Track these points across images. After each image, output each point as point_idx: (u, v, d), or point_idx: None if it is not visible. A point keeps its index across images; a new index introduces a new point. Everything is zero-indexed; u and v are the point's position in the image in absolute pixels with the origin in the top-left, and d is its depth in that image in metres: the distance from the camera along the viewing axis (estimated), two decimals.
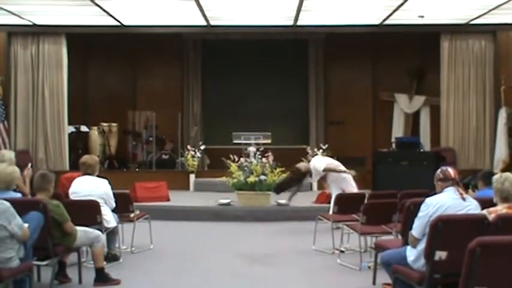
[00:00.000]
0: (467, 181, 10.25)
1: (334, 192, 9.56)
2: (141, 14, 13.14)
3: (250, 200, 11.61)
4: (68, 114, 14.09)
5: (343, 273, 7.29)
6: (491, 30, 13.91)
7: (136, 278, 7.02)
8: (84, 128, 15.26)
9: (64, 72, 14.01)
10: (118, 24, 13.59)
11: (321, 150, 14.01)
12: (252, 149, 12.24)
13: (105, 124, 15.31)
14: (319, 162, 10.27)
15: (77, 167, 8.06)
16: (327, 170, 10.04)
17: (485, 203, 5.30)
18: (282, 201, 11.65)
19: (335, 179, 10.04)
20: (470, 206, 5.16)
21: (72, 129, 14.80)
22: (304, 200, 12.26)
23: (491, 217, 4.91)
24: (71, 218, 6.37)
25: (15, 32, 13.94)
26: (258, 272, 7.41)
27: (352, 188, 9.92)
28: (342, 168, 10.17)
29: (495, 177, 5.35)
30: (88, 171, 7.56)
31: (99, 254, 6.64)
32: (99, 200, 7.30)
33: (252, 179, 11.50)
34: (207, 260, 8.10)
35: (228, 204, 11.72)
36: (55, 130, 14.00)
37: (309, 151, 14.21)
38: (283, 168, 11.81)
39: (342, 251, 8.10)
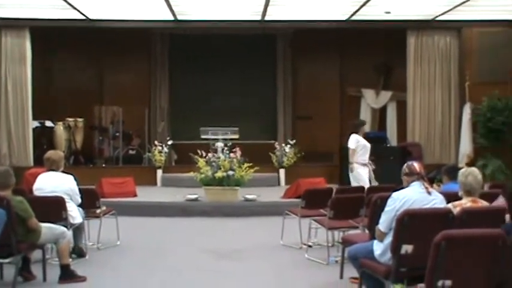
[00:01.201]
0: (433, 175, 10.34)
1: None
2: (108, 8, 13.02)
3: (218, 195, 11.58)
4: (32, 109, 13.88)
5: (310, 268, 7.31)
6: (456, 27, 14.07)
7: (102, 275, 6.95)
8: (49, 123, 15.04)
9: (28, 66, 13.77)
10: (84, 18, 13.42)
11: (288, 146, 14.07)
12: (219, 144, 12.21)
13: (70, 119, 15.12)
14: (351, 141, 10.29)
15: (42, 162, 7.94)
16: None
17: (450, 197, 5.36)
18: (250, 197, 11.65)
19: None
20: (435, 200, 5.21)
21: (36, 124, 14.57)
22: (271, 195, 12.29)
23: (456, 211, 4.96)
24: (36, 214, 6.28)
25: None
26: (226, 267, 7.40)
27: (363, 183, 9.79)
28: (353, 156, 10.12)
29: (460, 171, 5.41)
30: (53, 167, 7.45)
31: (64, 250, 6.55)
32: (64, 196, 7.20)
33: (219, 174, 11.48)
34: (174, 255, 8.06)
35: (195, 199, 11.68)
36: (19, 125, 13.77)
37: (277, 146, 14.28)
38: (251, 164, 11.82)
39: (310, 246, 8.13)
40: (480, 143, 13.54)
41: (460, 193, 5.32)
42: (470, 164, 11.99)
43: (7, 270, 6.43)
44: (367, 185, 9.50)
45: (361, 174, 10.05)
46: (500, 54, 13.86)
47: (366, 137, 10.56)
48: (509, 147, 13.43)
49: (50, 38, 15.36)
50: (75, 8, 12.56)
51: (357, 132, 10.18)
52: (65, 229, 6.69)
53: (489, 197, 5.56)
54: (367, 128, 15.44)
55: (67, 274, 6.51)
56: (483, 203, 5.27)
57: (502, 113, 13.37)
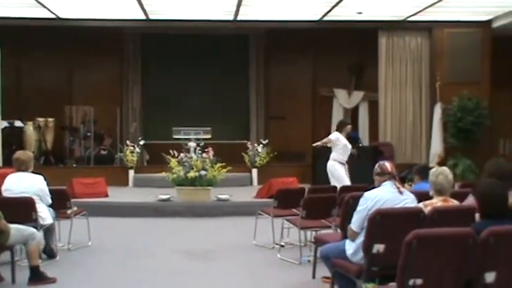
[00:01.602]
0: (404, 175, 10.43)
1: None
2: (79, 7, 12.90)
3: (190, 195, 11.54)
4: (1, 109, 13.68)
5: (283, 268, 7.31)
6: (427, 27, 14.22)
7: (73, 276, 6.87)
8: (18, 123, 14.83)
9: None
10: (54, 17, 13.28)
11: (261, 145, 14.07)
12: (192, 144, 12.17)
13: (41, 119, 14.93)
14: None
15: (11, 163, 7.83)
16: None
17: (422, 196, 5.39)
18: (222, 197, 11.63)
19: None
20: (407, 199, 5.24)
21: (5, 124, 14.35)
22: (244, 195, 12.28)
23: (427, 210, 4.99)
24: (4, 215, 6.18)
25: None
26: (198, 268, 7.37)
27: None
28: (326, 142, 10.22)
29: (431, 170, 5.45)
30: (22, 167, 7.35)
31: (34, 252, 6.46)
32: (34, 197, 7.11)
33: (192, 174, 11.43)
34: (147, 256, 8.00)
35: (167, 199, 11.62)
36: None
37: (249, 146, 14.26)
38: (224, 164, 11.79)
39: (282, 246, 8.12)
40: (451, 143, 13.69)
41: (431, 192, 5.35)
42: (441, 163, 12.10)
43: None
44: (347, 183, 9.63)
45: (338, 171, 10.05)
46: (470, 54, 14.04)
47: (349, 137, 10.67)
48: (479, 146, 13.59)
49: (19, 36, 15.13)
50: (45, 7, 12.44)
51: (340, 131, 10.18)
52: (34, 230, 6.60)
53: (460, 196, 5.61)
54: None
55: (37, 276, 6.42)
56: (454, 202, 5.31)
57: (472, 113, 13.54)
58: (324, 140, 10.21)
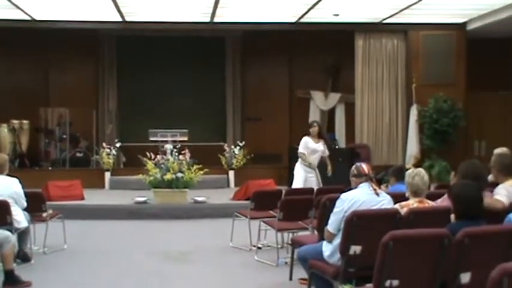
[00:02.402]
0: (381, 176, 10.42)
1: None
2: (54, 9, 12.79)
3: (167, 197, 11.50)
4: None
5: (260, 270, 7.31)
6: (403, 30, 14.33)
7: (48, 279, 6.82)
8: None
9: None
10: (29, 18, 13.16)
11: (237, 147, 14.06)
12: (168, 146, 12.13)
13: (15, 121, 14.76)
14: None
15: None
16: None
17: (398, 198, 5.42)
18: (199, 199, 11.60)
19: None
20: (383, 200, 5.26)
21: None
22: (221, 197, 12.26)
23: (403, 211, 5.02)
24: None
25: None
26: (175, 270, 7.35)
27: None
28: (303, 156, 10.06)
29: (408, 172, 5.48)
30: None
31: (9, 255, 6.40)
32: (9, 200, 7.03)
33: (168, 176, 11.39)
34: (123, 259, 7.96)
35: (144, 202, 11.56)
36: None
37: (226, 148, 14.25)
38: (200, 165, 11.77)
39: (259, 248, 8.13)
40: (427, 144, 13.80)
41: (407, 194, 5.39)
42: (417, 164, 12.19)
43: None
44: (297, 185, 9.74)
45: (296, 172, 10.06)
46: (446, 56, 14.18)
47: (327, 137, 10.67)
48: (454, 148, 13.72)
49: None
50: (19, 8, 12.32)
51: (308, 134, 10.17)
52: (9, 233, 6.54)
53: (435, 198, 5.65)
54: None
55: (11, 279, 6.36)
56: (430, 204, 5.35)
57: (447, 114, 13.67)
58: (304, 158, 10.05)
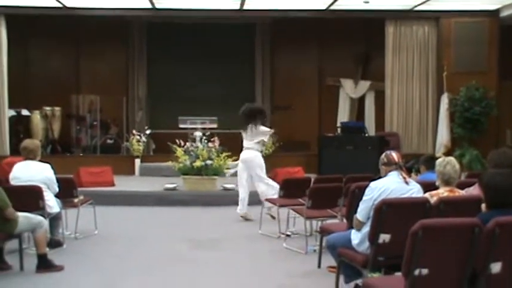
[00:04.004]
0: (410, 165, 10.36)
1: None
2: None
3: (196, 184, 11.56)
4: (8, 98, 13.72)
5: (288, 257, 7.33)
6: (435, 17, 14.16)
7: (80, 264, 6.91)
8: (25, 112, 14.87)
9: (4, 54, 13.64)
10: (60, 5, 13.28)
11: None
12: (198, 133, 12.16)
13: (47, 108, 14.97)
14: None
15: (18, 151, 7.87)
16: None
17: (428, 187, 5.40)
18: (228, 186, 11.64)
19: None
20: (413, 189, 5.24)
21: (12, 112, 14.41)
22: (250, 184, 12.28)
23: (433, 200, 5.00)
24: (12, 203, 6.22)
25: None
26: (204, 257, 7.39)
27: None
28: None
29: (438, 160, 5.45)
30: (29, 156, 7.39)
31: (42, 240, 6.51)
32: (41, 185, 7.15)
33: (198, 163, 11.44)
34: (153, 245, 8.03)
35: (173, 189, 11.64)
36: None
37: None
38: (230, 153, 11.80)
39: (288, 235, 8.14)
40: (457, 133, 13.67)
41: (438, 182, 5.35)
42: (447, 153, 12.09)
43: None
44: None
45: (262, 161, 10.05)
46: (478, 44, 13.99)
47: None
48: (486, 136, 13.56)
49: (27, 26, 15.14)
50: None
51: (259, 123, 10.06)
52: (42, 218, 6.64)
53: (466, 187, 5.61)
54: (345, 117, 15.64)
55: (44, 263, 6.47)
56: (460, 193, 5.32)
57: (479, 102, 13.51)
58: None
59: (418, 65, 14.27)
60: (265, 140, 10.13)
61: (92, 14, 14.01)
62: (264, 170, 9.88)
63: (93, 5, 13.52)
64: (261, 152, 10.06)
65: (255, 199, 9.85)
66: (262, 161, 9.95)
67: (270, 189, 9.52)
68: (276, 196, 8.87)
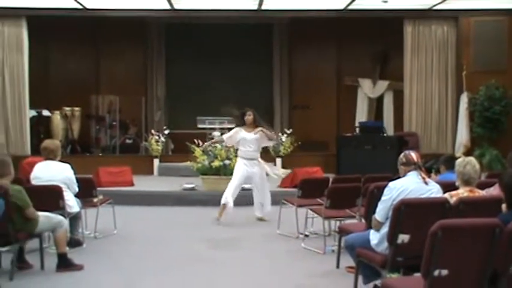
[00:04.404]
0: (430, 165, 10.32)
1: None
2: None
3: (215, 184, 11.56)
4: (29, 98, 13.86)
5: (307, 257, 7.32)
6: (454, 16, 14.06)
7: (99, 263, 6.96)
8: (46, 112, 15.00)
9: (25, 55, 13.76)
10: (80, 7, 13.38)
11: (285, 135, 14.07)
12: (216, 133, 12.19)
13: (67, 108, 15.10)
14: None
15: (39, 151, 7.94)
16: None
17: (447, 187, 5.37)
18: (246, 186, 11.63)
19: None
20: (432, 189, 5.22)
21: (33, 113, 14.55)
22: (268, 184, 12.28)
23: (452, 200, 4.97)
24: (33, 203, 6.28)
25: None
26: (222, 257, 7.41)
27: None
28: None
29: (458, 160, 5.41)
30: (50, 156, 7.45)
31: (62, 239, 6.56)
32: (61, 185, 7.21)
33: (216, 163, 11.46)
34: (171, 244, 8.07)
35: (192, 188, 11.67)
36: (16, 114, 13.76)
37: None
38: None
39: (306, 235, 8.14)
40: (477, 133, 13.57)
41: (457, 183, 5.33)
42: (467, 153, 12.02)
43: (4, 259, 6.44)
44: (234, 182, 9.61)
45: (236, 168, 9.83)
46: (497, 43, 13.88)
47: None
48: (506, 136, 13.45)
49: (46, 27, 15.27)
50: None
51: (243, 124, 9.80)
52: (62, 218, 6.69)
53: (486, 187, 5.57)
54: (363, 117, 15.60)
55: (64, 263, 6.52)
56: (480, 193, 5.28)
57: (499, 102, 13.40)
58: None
59: (437, 64, 14.18)
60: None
61: (111, 15, 14.09)
62: (233, 178, 9.78)
63: (112, 6, 13.60)
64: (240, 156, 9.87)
65: (273, 199, 9.85)
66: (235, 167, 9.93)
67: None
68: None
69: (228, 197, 9.51)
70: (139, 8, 13.76)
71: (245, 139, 9.64)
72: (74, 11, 13.59)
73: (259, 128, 9.65)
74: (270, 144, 10.02)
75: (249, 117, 9.71)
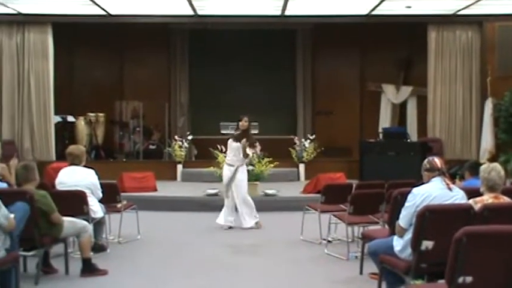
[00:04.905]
0: (454, 171, 10.26)
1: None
2: (128, 4, 13.08)
3: None
4: (54, 104, 14.00)
5: (330, 263, 7.31)
6: (478, 21, 13.95)
7: (123, 268, 7.01)
8: (70, 118, 15.16)
9: (50, 61, 13.91)
10: (105, 13, 13.50)
11: (308, 141, 14.06)
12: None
13: (92, 114, 15.23)
14: None
15: (64, 157, 8.02)
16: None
17: (472, 193, 5.32)
18: (270, 191, 11.65)
19: None
20: (456, 195, 5.18)
21: (58, 119, 14.70)
22: (291, 190, 12.29)
23: (477, 207, 4.93)
24: (58, 208, 6.34)
25: (0, 20, 13.78)
26: (245, 262, 7.42)
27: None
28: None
29: (482, 166, 5.37)
30: (75, 161, 7.52)
31: (86, 244, 6.61)
32: (86, 191, 7.27)
33: None
34: (194, 250, 8.09)
35: (215, 194, 11.69)
36: (41, 120, 13.90)
37: (297, 141, 14.26)
38: (271, 158, 11.82)
39: (329, 241, 8.12)
40: (502, 139, 13.43)
41: (482, 189, 5.28)
42: (491, 159, 11.90)
43: (30, 263, 6.51)
44: (226, 187, 9.69)
45: (224, 174, 9.87)
46: None
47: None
48: None
49: (71, 33, 15.45)
50: (96, 4, 12.64)
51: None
52: (86, 223, 6.76)
53: (511, 193, 5.52)
54: (387, 123, 15.53)
55: (89, 268, 6.57)
56: (505, 199, 5.23)
57: None
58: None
59: (461, 70, 14.08)
60: None
61: (135, 21, 14.21)
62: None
63: (135, 12, 13.70)
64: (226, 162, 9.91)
65: (296, 204, 9.83)
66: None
67: None
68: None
69: (227, 215, 9.60)
70: (163, 14, 13.84)
71: (230, 145, 9.78)
72: (99, 17, 13.72)
73: (244, 140, 9.70)
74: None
75: (245, 123, 9.79)
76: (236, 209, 9.67)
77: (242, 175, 9.77)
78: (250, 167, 11.48)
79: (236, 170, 9.67)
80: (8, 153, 9.08)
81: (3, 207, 5.33)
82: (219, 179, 11.71)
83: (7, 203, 5.50)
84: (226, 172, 9.76)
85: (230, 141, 9.82)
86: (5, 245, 5.40)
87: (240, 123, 9.82)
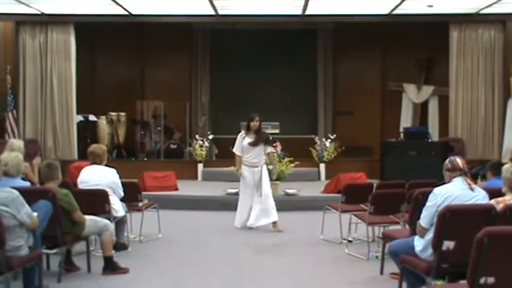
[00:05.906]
0: (476, 171, 10.18)
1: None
2: (150, 4, 13.15)
3: None
4: (76, 104, 14.12)
5: (350, 263, 7.30)
6: (501, 20, 13.83)
7: (144, 267, 7.05)
8: (92, 117, 15.27)
9: (72, 61, 14.02)
10: (126, 13, 13.59)
11: (328, 140, 14.04)
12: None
13: (113, 113, 15.33)
14: None
15: (86, 156, 8.08)
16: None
17: (494, 193, 5.29)
18: (290, 191, 11.65)
19: None
20: (478, 196, 5.15)
21: (80, 118, 14.82)
22: (312, 189, 12.28)
23: (499, 207, 4.90)
24: (80, 207, 6.40)
25: (23, 21, 13.93)
26: (265, 262, 7.43)
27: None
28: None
29: (505, 166, 5.34)
30: (96, 160, 7.58)
31: (108, 242, 6.67)
32: (107, 189, 7.33)
33: None
34: (215, 249, 8.12)
35: (236, 193, 11.67)
36: (63, 119, 14.03)
37: (317, 141, 14.24)
38: (291, 158, 11.81)
39: (350, 241, 8.11)
40: None
41: (504, 189, 5.25)
42: None
43: (53, 261, 6.58)
44: (242, 194, 9.56)
45: (243, 178, 9.65)
46: None
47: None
48: None
49: (93, 33, 15.57)
50: (118, 4, 12.73)
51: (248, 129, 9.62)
52: (108, 222, 6.81)
53: None
54: (408, 123, 15.46)
55: (110, 266, 6.63)
56: None
57: None
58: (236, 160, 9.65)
59: (483, 69, 13.97)
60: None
61: (156, 21, 14.28)
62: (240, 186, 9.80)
63: (157, 12, 13.78)
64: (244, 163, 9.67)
65: (317, 204, 9.82)
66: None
67: None
68: None
69: (242, 216, 9.55)
70: (184, 13, 13.90)
71: (248, 147, 9.53)
72: (120, 17, 13.81)
73: (268, 151, 9.62)
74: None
75: (256, 123, 9.57)
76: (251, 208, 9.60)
77: (266, 173, 9.71)
78: (270, 167, 11.45)
79: (262, 169, 9.56)
80: (31, 152, 9.16)
81: (26, 206, 5.40)
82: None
83: (30, 202, 5.56)
84: (249, 173, 9.58)
85: (246, 143, 9.53)
86: (28, 243, 5.46)
87: (252, 123, 9.56)
